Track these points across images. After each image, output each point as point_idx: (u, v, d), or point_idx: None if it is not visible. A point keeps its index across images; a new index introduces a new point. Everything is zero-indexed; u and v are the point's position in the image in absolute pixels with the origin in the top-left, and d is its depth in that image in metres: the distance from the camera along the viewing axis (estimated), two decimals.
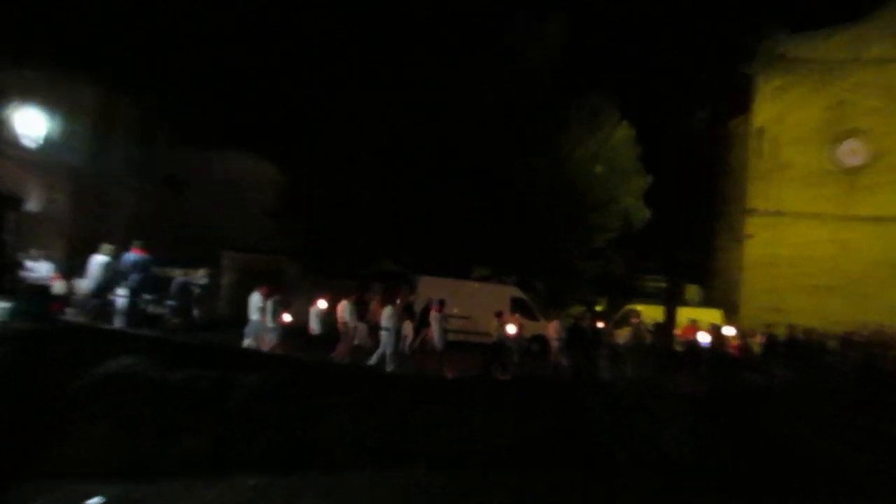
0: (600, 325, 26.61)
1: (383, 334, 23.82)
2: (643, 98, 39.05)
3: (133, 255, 20.92)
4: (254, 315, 22.87)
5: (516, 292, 33.27)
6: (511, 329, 25.15)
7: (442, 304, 25.83)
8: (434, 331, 25.42)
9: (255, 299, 23.02)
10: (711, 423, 21.24)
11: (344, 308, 23.98)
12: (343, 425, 20.42)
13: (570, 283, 36.89)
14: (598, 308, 41.65)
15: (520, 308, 31.12)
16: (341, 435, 20.42)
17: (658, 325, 26.77)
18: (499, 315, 25.75)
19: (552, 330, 26.37)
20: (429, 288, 30.58)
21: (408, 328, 26.45)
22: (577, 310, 35.84)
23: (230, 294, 31.65)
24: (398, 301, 24.82)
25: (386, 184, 32.52)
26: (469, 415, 21.42)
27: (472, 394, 21.72)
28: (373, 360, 23.08)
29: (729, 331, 28.34)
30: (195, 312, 22.92)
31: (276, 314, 23.18)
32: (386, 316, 23.90)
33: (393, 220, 32.47)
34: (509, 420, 21.63)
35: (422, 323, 26.53)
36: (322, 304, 24.17)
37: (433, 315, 25.72)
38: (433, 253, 33.39)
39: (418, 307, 28.10)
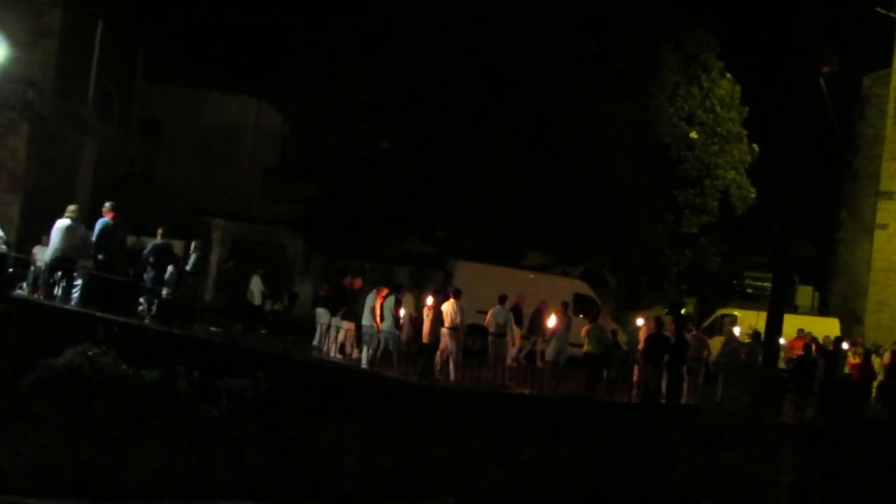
0: (689, 333, 26.62)
1: (493, 340, 24.51)
2: (752, 45, 38.71)
3: (104, 220, 21.26)
4: (366, 319, 23.55)
5: (581, 287, 33.14)
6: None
7: (566, 307, 26.37)
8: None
9: (370, 300, 23.69)
10: (822, 464, 21.35)
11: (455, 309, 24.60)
12: (351, 447, 20.75)
13: (650, 278, 36.73)
14: (685, 311, 41.56)
15: (585, 307, 31.01)
16: (348, 459, 20.78)
17: (755, 335, 26.71)
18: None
19: (644, 336, 26.46)
20: (467, 276, 30.43)
21: (515, 333, 26.96)
22: (659, 313, 35.76)
23: (219, 274, 32.03)
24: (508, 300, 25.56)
25: (417, 138, 32.35)
26: (515, 444, 21.67)
27: (519, 418, 21.93)
28: None
29: (847, 346, 28.27)
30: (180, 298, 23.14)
31: (393, 314, 23.70)
32: (496, 318, 24.61)
33: (425, 185, 32.28)
34: (566, 452, 21.88)
35: (531, 329, 27.13)
36: (430, 300, 24.67)
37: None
38: (475, 231, 33.25)
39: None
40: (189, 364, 19.82)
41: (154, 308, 22.42)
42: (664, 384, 24.52)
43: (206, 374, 19.80)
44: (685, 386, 25.11)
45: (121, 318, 20.38)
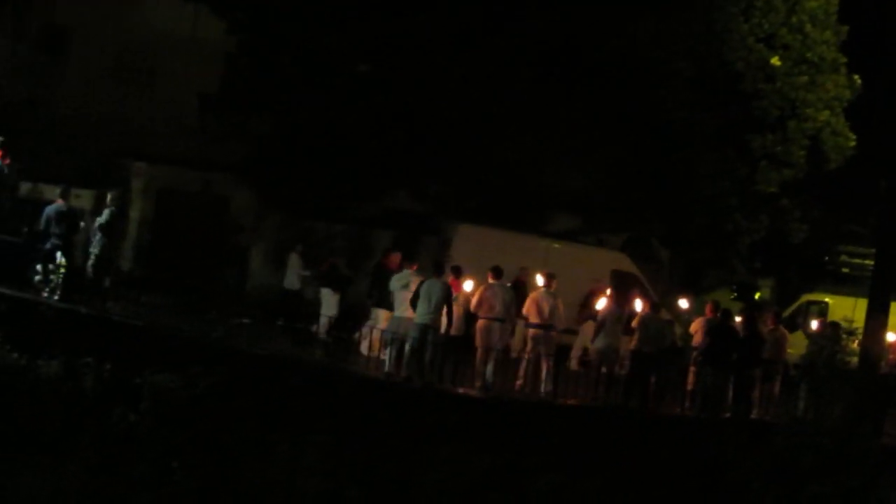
0: (764, 326, 26.71)
1: (486, 327, 24.06)
2: None
3: None
4: (399, 307, 23.57)
5: (622, 262, 33.54)
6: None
7: (622, 289, 27.29)
8: None
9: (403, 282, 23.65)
10: None
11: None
12: (312, 468, 20.80)
13: (715, 252, 36.67)
14: (759, 296, 41.62)
15: (626, 287, 30.70)
16: (308, 483, 20.85)
17: (833, 326, 26.59)
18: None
19: (697, 329, 26.49)
20: (470, 244, 30.45)
21: (588, 330, 27.43)
22: (725, 298, 35.86)
23: (140, 236, 32.00)
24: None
25: (408, 60, 32.14)
26: (528, 470, 21.77)
27: (535, 435, 21.99)
28: None
29: None
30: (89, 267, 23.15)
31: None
32: (494, 298, 24.26)
33: (416, 123, 32.14)
34: (596, 480, 21.98)
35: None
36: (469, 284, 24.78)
37: None
38: (481, 185, 33.20)
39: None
40: (100, 354, 19.82)
41: (54, 279, 22.47)
42: (730, 392, 24.64)
43: (122, 367, 19.79)
44: (757, 395, 25.24)
45: (11, 291, 20.42)
